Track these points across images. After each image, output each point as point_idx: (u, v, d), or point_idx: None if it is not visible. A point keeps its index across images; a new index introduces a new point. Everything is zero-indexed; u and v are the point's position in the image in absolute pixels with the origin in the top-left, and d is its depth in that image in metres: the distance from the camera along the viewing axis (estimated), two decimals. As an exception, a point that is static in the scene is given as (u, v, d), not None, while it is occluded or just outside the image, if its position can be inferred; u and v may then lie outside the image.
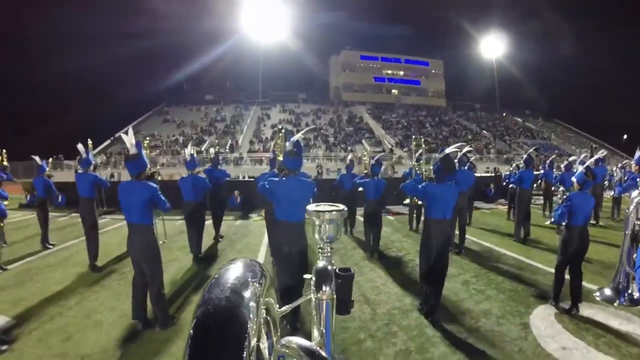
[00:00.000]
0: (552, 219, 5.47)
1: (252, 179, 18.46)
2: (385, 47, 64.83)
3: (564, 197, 5.89)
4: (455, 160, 8.24)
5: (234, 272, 0.83)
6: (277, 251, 5.07)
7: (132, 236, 4.74)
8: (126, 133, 4.68)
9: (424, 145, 8.92)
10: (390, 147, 38.20)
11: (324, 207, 1.26)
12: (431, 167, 5.65)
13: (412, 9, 73.69)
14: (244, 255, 7.51)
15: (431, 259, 5.00)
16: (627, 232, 4.81)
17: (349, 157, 11.99)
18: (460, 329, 4.54)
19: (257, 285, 0.83)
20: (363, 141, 39.93)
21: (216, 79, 65.42)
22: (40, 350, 4.25)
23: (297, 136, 4.76)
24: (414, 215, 11.15)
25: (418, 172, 8.03)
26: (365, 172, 9.33)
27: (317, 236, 1.24)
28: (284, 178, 4.75)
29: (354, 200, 10.12)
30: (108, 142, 37.76)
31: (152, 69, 63.91)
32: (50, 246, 9.08)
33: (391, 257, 8.21)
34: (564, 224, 5.24)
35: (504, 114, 61.01)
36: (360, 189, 8.56)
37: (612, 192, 11.80)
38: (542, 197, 14.35)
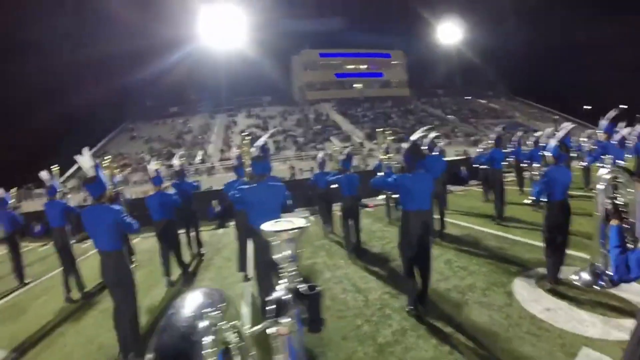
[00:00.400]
0: (531, 197, 5.45)
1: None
2: (346, 43, 65.00)
3: (541, 173, 5.77)
4: (425, 147, 8.27)
5: (185, 308, 0.84)
6: (257, 260, 4.87)
7: (103, 264, 4.50)
8: (81, 154, 4.48)
9: (389, 138, 8.87)
10: (359, 141, 38.39)
11: (280, 225, 1.19)
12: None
13: (366, 2, 74.17)
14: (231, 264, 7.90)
15: (413, 253, 4.77)
16: (597, 212, 4.54)
17: (320, 154, 11.72)
18: (449, 304, 4.83)
19: (215, 314, 0.85)
20: (332, 138, 40.04)
21: (179, 90, 64.53)
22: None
23: (262, 140, 4.79)
24: (389, 205, 11.08)
25: (388, 165, 7.82)
26: (337, 168, 8.98)
27: (276, 257, 1.19)
28: (254, 185, 4.72)
29: (331, 198, 10.13)
30: (76, 165, 37.09)
31: (110, 86, 62.54)
32: (27, 283, 8.51)
33: (375, 247, 8.43)
34: (544, 200, 5.20)
35: (468, 97, 61.91)
36: (334, 185, 8.40)
37: (584, 163, 11.75)
38: (514, 175, 14.10)
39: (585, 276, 4.84)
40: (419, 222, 4.71)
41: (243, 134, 7.56)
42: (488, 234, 8.28)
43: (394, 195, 9.31)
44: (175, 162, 9.69)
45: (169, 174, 14.86)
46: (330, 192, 9.71)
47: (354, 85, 64.49)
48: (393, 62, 66.83)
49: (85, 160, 4.47)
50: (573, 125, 6.95)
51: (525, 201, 10.24)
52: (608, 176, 4.23)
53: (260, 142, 4.77)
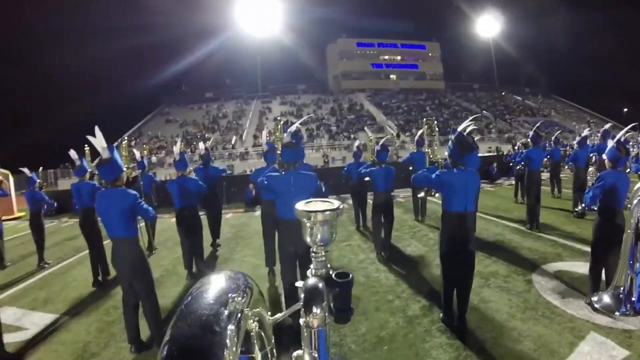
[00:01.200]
0: (583, 203, 5.28)
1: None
2: (381, 33, 64.75)
3: (595, 177, 5.23)
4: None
5: (208, 292, 0.79)
6: (281, 251, 4.67)
7: (116, 251, 4.28)
8: (94, 135, 4.10)
9: (436, 128, 8.39)
10: (396, 132, 38.39)
11: (315, 205, 1.08)
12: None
13: (405, -7, 73.64)
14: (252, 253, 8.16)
15: (453, 260, 4.34)
16: (630, 230, 4.08)
17: (356, 143, 11.09)
18: (473, 286, 5.05)
19: (240, 299, 0.81)
20: (365, 128, 40.29)
21: (214, 76, 65.78)
22: None
23: (294, 126, 4.50)
24: (419, 204, 10.44)
25: (433, 159, 7.66)
26: (371, 159, 8.50)
27: (308, 239, 1.08)
28: (283, 172, 4.48)
29: (364, 190, 9.78)
30: (124, 144, 37.91)
31: (148, 70, 63.98)
32: (46, 265, 8.43)
33: (406, 240, 8.49)
34: (595, 208, 4.74)
35: (503, 93, 61.01)
36: (367, 178, 7.79)
37: (628, 169, 10.51)
38: (548, 177, 12.89)
39: (607, 300, 4.39)
40: (463, 225, 4.26)
41: (278, 118, 7.36)
42: (512, 228, 8.79)
43: (436, 194, 8.23)
44: (201, 145, 9.31)
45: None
46: (364, 184, 9.29)
47: (391, 76, 64.30)
48: (429, 54, 66.25)
49: (98, 140, 4.10)
50: (633, 125, 6.38)
51: (577, 209, 9.56)
52: None
53: (292, 127, 4.45)
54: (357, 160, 10.02)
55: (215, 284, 0.85)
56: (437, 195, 7.66)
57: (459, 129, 4.65)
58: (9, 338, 4.73)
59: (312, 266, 1.11)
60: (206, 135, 39.45)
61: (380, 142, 7.61)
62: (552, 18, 66.96)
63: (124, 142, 8.44)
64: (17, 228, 14.22)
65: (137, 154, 10.60)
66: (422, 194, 8.06)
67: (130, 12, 69.93)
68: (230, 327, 0.71)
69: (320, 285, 1.02)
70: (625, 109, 47.72)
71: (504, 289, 5.35)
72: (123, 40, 58.46)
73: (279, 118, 7.13)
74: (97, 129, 4.09)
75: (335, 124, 43.32)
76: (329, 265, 1.11)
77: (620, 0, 59.63)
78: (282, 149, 4.48)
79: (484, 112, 48.41)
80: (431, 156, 7.66)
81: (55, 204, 9.19)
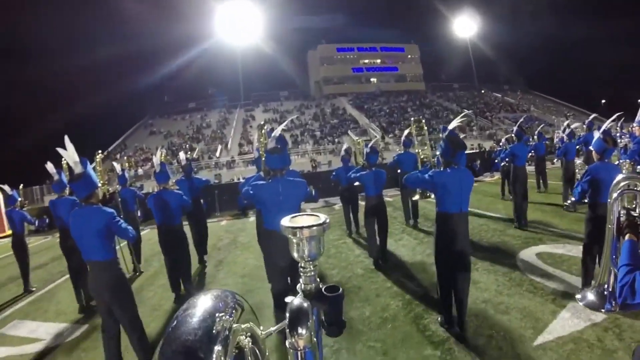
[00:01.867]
0: (571, 198, 5.35)
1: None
2: (361, 38, 65.53)
3: (583, 170, 5.27)
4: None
5: (194, 314, 0.79)
6: (269, 265, 4.49)
7: (93, 276, 3.88)
8: (64, 147, 3.75)
9: (425, 127, 8.05)
10: (381, 134, 38.80)
11: (301, 220, 1.06)
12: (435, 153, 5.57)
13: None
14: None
15: (450, 263, 4.23)
16: (610, 225, 3.92)
17: (344, 147, 10.53)
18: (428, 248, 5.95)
19: (228, 317, 0.80)
20: (349, 132, 40.70)
21: (197, 86, 65.93)
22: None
23: (277, 130, 4.27)
24: (411, 206, 9.82)
25: (425, 159, 7.44)
26: (362, 163, 8.10)
27: (295, 255, 1.06)
28: (269, 180, 4.12)
29: (355, 195, 9.40)
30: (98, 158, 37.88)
31: (130, 82, 63.67)
32: (33, 289, 7.82)
33: (397, 235, 8.89)
34: (585, 201, 4.74)
35: (483, 91, 62.21)
36: (357, 183, 7.49)
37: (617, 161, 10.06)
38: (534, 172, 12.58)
39: (591, 297, 4.22)
40: (458, 227, 4.15)
41: (261, 123, 6.97)
42: (496, 218, 9.42)
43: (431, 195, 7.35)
44: (182, 155, 8.72)
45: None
46: (354, 189, 9.01)
47: (371, 80, 64.92)
48: (408, 56, 67.02)
49: (69, 153, 3.75)
50: (618, 114, 6.18)
51: (566, 203, 9.46)
52: (624, 182, 3.50)
53: (276, 132, 4.24)
54: (346, 164, 9.60)
55: (202, 304, 0.84)
56: (432, 196, 6.60)
57: (450, 127, 4.55)
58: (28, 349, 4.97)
59: (301, 281, 1.09)
60: (192, 146, 39.64)
61: (370, 145, 7.31)
62: (527, 15, 68.23)
63: (97, 155, 8.04)
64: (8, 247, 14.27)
65: (117, 167, 9.50)
66: (416, 197, 7.67)
67: (109, 23, 69.79)
68: (217, 347, 0.71)
69: (306, 305, 1.00)
70: (603, 100, 48.70)
71: (490, 270, 5.89)
72: (103, 52, 58.11)
73: (261, 123, 6.10)
74: (67, 140, 3.73)
75: (319, 129, 43.66)
76: (318, 280, 1.10)
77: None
78: (267, 155, 4.11)
79: (465, 110, 49.18)
80: (422, 156, 7.42)
81: (47, 220, 9.18)
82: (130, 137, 47.45)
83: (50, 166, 6.48)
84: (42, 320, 6.04)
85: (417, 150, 7.80)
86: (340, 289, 1.06)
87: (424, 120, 8.56)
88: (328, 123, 45.79)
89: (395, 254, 7.42)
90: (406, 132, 9.64)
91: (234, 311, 0.87)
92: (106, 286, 3.82)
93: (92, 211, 3.81)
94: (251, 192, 4.09)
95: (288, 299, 1.03)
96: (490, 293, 5.04)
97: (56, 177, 6.38)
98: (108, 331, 4.01)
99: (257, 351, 0.92)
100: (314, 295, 1.06)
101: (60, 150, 3.77)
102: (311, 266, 1.08)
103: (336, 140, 37.48)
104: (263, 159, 5.18)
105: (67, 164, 6.87)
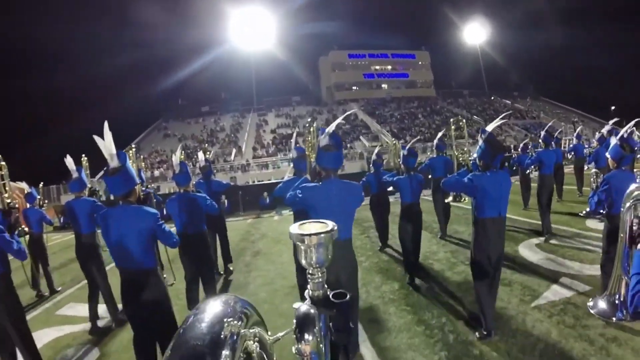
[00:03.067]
0: (587, 209, 5.58)
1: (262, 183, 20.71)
2: (372, 44, 66.10)
3: (598, 180, 5.13)
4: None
5: (202, 320, 0.79)
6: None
7: (128, 286, 3.41)
8: (102, 137, 3.32)
9: (465, 128, 7.66)
10: (393, 139, 39.29)
11: (309, 227, 1.07)
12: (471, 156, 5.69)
13: (392, 3, 75.29)
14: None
15: (490, 269, 4.10)
16: (622, 234, 3.77)
17: (376, 151, 9.46)
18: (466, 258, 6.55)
19: (236, 322, 0.80)
20: (361, 137, 41.41)
21: (210, 90, 67.11)
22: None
23: (332, 126, 3.67)
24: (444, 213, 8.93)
25: (462, 162, 7.01)
26: (397, 167, 7.71)
27: (303, 262, 1.07)
28: (319, 182, 3.60)
29: (386, 202, 8.59)
30: (131, 153, 38.64)
31: (145, 85, 65.20)
32: (58, 289, 7.56)
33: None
34: (602, 212, 4.48)
35: (492, 98, 62.53)
36: (390, 188, 7.20)
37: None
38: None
39: (602, 305, 4.11)
40: (495, 232, 4.05)
41: (309, 120, 6.28)
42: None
43: (465, 199, 7.36)
44: (200, 156, 7.91)
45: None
46: (384, 196, 8.49)
47: (382, 86, 65.46)
48: (419, 63, 67.44)
49: (106, 143, 3.32)
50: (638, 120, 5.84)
51: (582, 213, 9.21)
52: (638, 192, 3.38)
53: (330, 128, 3.62)
54: (378, 169, 8.51)
55: (210, 310, 0.83)
56: (465, 200, 7.22)
57: (488, 128, 4.31)
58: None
59: (309, 287, 1.09)
60: (208, 149, 40.31)
61: (407, 147, 6.67)
62: (537, 22, 68.67)
63: (131, 150, 7.64)
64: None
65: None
66: (449, 199, 7.37)
67: (126, 29, 71.34)
68: (225, 352, 0.70)
69: (312, 311, 1.00)
70: (613, 107, 48.96)
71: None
72: (121, 58, 59.86)
73: (310, 119, 6.31)
74: (106, 127, 3.30)
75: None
76: (326, 286, 1.09)
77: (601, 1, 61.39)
78: (320, 153, 3.54)
79: (474, 117, 49.61)
80: (461, 159, 6.99)
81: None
82: (144, 140, 48.15)
83: (69, 161, 5.76)
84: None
85: (455, 153, 7.38)
86: (348, 296, 1.05)
87: (464, 120, 8.04)
88: (340, 128, 46.32)
89: (429, 266, 6.98)
90: (440, 134, 9.17)
91: (242, 317, 0.86)
92: (145, 298, 3.34)
93: (133, 211, 3.36)
94: (300, 195, 3.50)
95: (295, 305, 1.05)
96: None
97: (75, 174, 5.67)
98: (141, 346, 3.55)
99: (264, 356, 0.93)
100: (321, 301, 1.06)
101: (96, 138, 3.30)
102: (319, 272, 1.08)
103: (348, 145, 38.15)
104: (311, 159, 4.56)
105: (87, 162, 7.50)
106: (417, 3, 74.17)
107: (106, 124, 3.28)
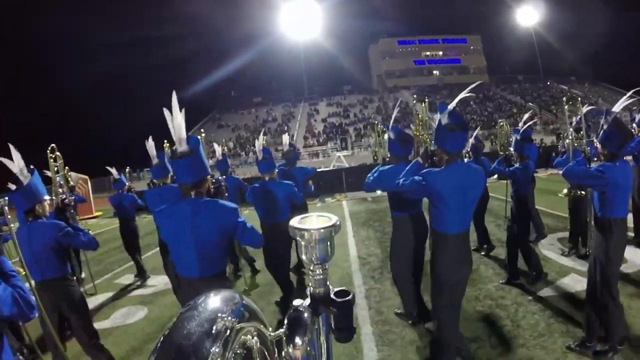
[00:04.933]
0: None
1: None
2: (422, 29, 65.72)
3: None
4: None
5: (194, 316, 0.70)
6: (448, 276, 3.14)
7: (193, 292, 2.44)
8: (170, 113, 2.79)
9: (583, 109, 5.91)
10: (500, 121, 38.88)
11: (310, 221, 0.98)
12: (585, 141, 5.28)
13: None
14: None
15: (616, 274, 3.39)
16: None
17: (475, 132, 7.69)
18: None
19: (231, 317, 0.73)
20: (411, 125, 41.12)
21: (261, 81, 68.74)
22: None
23: (452, 104, 3.18)
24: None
25: (580, 148, 5.87)
26: (505, 153, 6.33)
27: (304, 257, 0.98)
28: (445, 168, 3.11)
29: (486, 201, 6.93)
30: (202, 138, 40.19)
31: (199, 78, 67.09)
32: (149, 276, 7.53)
33: None
34: None
35: (548, 83, 60.61)
36: (495, 176, 6.19)
37: None
38: None
39: None
40: (623, 235, 3.39)
41: (418, 96, 5.17)
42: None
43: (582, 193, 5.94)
44: (285, 138, 7.26)
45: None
46: (486, 190, 6.57)
47: (434, 72, 64.79)
48: (470, 48, 66.53)
49: (175, 124, 2.77)
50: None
51: None
52: None
53: (451, 105, 3.15)
54: (478, 156, 6.89)
55: (204, 305, 0.75)
56: (581, 193, 5.89)
57: (614, 109, 3.56)
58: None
59: (310, 284, 1.02)
60: (262, 135, 41.12)
61: (523, 129, 5.60)
62: (594, 2, 65.86)
63: (202, 134, 7.78)
64: (100, 224, 16.47)
65: (218, 149, 7.50)
66: (564, 192, 6.13)
67: (180, 23, 73.57)
68: (215, 349, 0.61)
69: (305, 314, 0.94)
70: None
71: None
72: (174, 51, 61.68)
73: (416, 96, 4.94)
74: (175, 104, 2.75)
75: (382, 122, 44.38)
76: (328, 284, 1.02)
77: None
78: (440, 134, 3.09)
79: (529, 103, 48.39)
80: (582, 147, 5.60)
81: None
82: (198, 131, 49.57)
83: (150, 144, 5.33)
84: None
85: (570, 139, 6.21)
86: (351, 294, 0.98)
87: (579, 99, 6.68)
88: (390, 117, 46.13)
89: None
90: (526, 116, 6.39)
91: (238, 312, 0.79)
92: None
93: (210, 206, 2.84)
94: (423, 182, 3.01)
95: (296, 302, 1.00)
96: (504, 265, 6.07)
97: (156, 160, 5.31)
98: None
99: (265, 352, 0.89)
100: (322, 299, 1.01)
101: (166, 113, 2.75)
102: (320, 269, 1.01)
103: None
104: (425, 140, 4.12)
105: (128, 173, 8.66)
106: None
107: (174, 97, 2.71)
